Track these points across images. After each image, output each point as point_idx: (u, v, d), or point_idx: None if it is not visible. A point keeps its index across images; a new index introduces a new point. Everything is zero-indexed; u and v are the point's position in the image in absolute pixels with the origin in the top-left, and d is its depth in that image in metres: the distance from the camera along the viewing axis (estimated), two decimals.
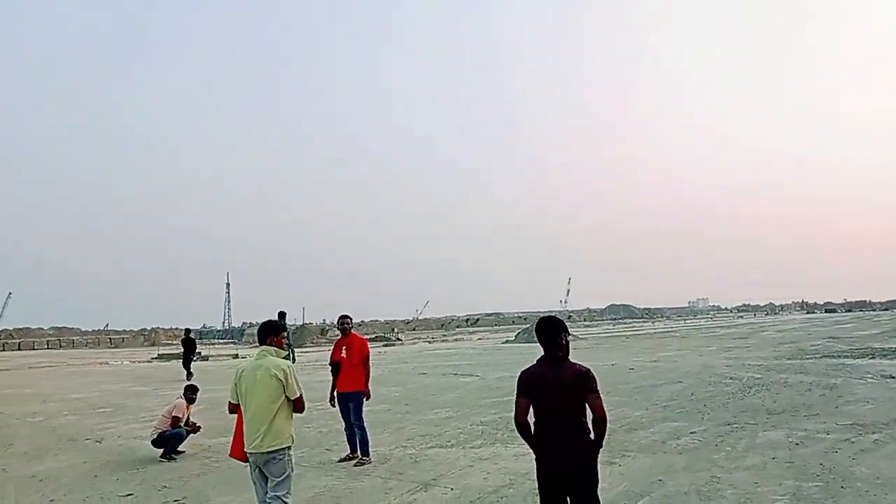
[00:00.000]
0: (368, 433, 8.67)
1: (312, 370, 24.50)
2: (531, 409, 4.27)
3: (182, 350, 24.66)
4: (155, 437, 9.39)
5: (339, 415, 8.87)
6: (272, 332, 5.41)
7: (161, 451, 9.31)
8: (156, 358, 38.82)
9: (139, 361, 36.07)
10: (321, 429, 10.96)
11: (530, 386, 4.27)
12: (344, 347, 8.75)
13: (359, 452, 8.62)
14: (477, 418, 11.34)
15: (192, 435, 9.66)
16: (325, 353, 37.91)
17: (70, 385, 22.75)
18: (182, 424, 9.48)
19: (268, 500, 5.19)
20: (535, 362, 4.36)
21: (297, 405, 5.34)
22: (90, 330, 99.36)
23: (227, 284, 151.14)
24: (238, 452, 5.59)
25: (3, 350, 66.13)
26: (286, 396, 5.25)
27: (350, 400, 8.67)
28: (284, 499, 5.18)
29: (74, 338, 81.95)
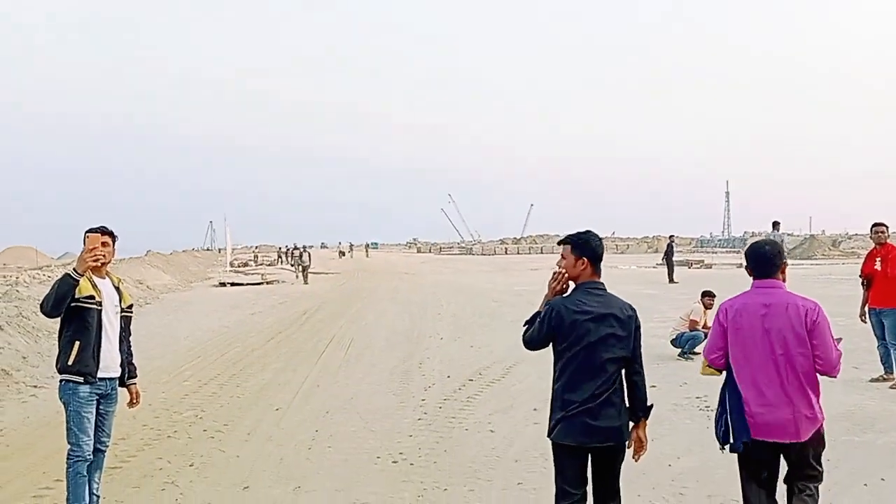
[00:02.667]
0: None
1: (828, 283, 22.62)
2: None
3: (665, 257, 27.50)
4: (674, 337, 9.97)
5: (872, 332, 8.12)
6: None
7: (679, 350, 9.86)
8: (659, 264, 40.48)
9: (644, 266, 38.15)
10: (848, 345, 10.15)
11: None
12: (878, 259, 7.88)
13: (894, 374, 7.81)
14: None
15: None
16: (837, 266, 34.62)
17: None
18: (700, 328, 9.84)
19: None
20: None
21: None
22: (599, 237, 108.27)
23: (727, 193, 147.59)
24: None
25: (529, 253, 77.14)
26: None
27: (884, 316, 7.85)
28: None
29: None
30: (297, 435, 6.67)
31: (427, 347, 11.62)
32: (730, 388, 3.67)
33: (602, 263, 3.70)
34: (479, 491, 5.15)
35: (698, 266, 38.15)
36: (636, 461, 3.70)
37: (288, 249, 50.60)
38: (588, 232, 3.72)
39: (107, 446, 4.59)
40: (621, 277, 30.61)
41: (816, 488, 3.62)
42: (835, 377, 3.58)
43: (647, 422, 3.68)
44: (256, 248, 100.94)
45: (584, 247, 3.65)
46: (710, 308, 10.18)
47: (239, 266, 45.74)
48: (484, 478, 5.39)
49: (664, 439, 6.24)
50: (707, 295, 10.18)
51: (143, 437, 6.66)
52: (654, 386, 8.28)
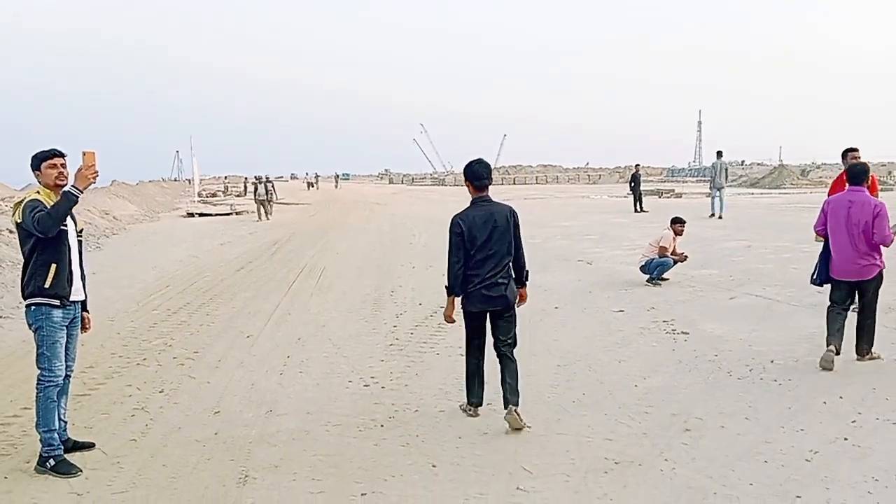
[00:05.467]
0: None
1: (795, 212, 22.96)
2: None
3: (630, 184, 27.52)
4: (643, 263, 10.04)
5: None
6: None
7: (647, 276, 9.96)
8: (629, 194, 40.59)
9: (616, 196, 38.27)
10: (810, 269, 10.35)
11: None
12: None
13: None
14: None
15: (678, 264, 10.04)
16: (805, 195, 35.05)
17: (560, 214, 25.47)
18: (669, 254, 9.91)
19: None
20: None
21: None
22: (571, 167, 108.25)
23: (699, 123, 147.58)
24: None
25: (502, 184, 77.00)
26: None
27: None
28: None
29: (558, 174, 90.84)
30: (269, 361, 6.67)
31: (399, 276, 11.62)
32: (826, 249, 6.12)
33: (489, 184, 4.94)
34: (449, 412, 5.22)
35: (668, 195, 38.38)
36: (518, 307, 5.05)
37: (257, 179, 49.13)
38: (472, 161, 4.92)
39: (72, 371, 4.55)
40: (592, 206, 30.76)
41: (872, 309, 6.03)
42: (888, 245, 5.93)
43: (527, 286, 5.14)
44: (226, 178, 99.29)
45: (466, 171, 4.93)
46: (681, 235, 10.23)
47: (208, 196, 45.02)
48: (455, 400, 5.46)
49: (631, 361, 6.36)
50: (677, 221, 10.20)
51: (112, 364, 6.62)
52: (622, 311, 8.43)
